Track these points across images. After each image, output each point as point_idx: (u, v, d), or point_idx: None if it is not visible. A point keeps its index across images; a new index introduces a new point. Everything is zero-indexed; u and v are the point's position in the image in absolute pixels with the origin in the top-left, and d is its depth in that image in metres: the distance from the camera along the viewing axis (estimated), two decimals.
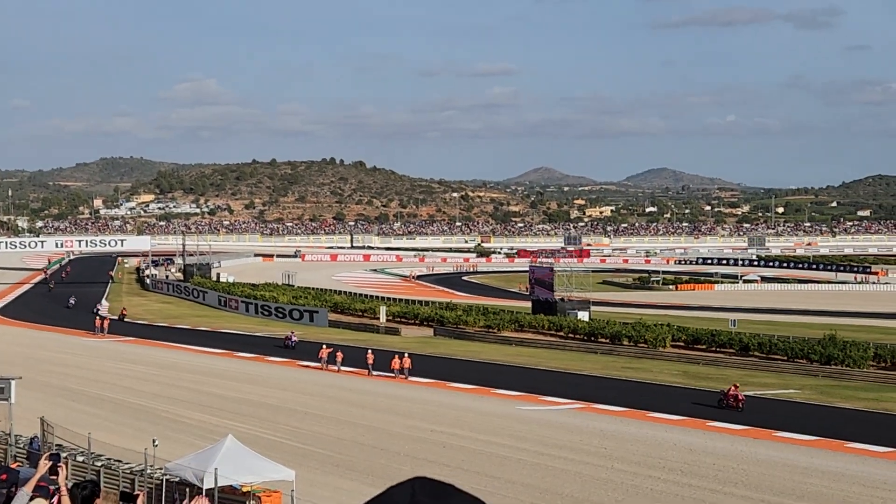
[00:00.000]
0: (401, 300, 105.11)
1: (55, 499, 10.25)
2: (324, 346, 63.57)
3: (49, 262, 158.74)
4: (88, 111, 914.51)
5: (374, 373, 58.35)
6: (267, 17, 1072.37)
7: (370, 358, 58.90)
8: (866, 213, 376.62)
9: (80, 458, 31.50)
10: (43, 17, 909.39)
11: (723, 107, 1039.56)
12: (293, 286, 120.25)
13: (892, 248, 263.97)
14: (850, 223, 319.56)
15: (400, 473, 33.61)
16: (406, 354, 59.88)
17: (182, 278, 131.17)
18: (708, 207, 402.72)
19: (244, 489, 28.45)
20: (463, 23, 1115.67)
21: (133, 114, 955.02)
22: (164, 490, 29.22)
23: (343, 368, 60.35)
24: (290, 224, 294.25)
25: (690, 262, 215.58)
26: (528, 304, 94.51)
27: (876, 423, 44.75)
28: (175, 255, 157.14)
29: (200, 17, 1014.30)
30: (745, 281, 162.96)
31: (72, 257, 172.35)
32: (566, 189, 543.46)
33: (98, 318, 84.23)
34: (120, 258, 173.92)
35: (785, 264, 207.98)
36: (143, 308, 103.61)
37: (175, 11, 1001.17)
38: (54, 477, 9.99)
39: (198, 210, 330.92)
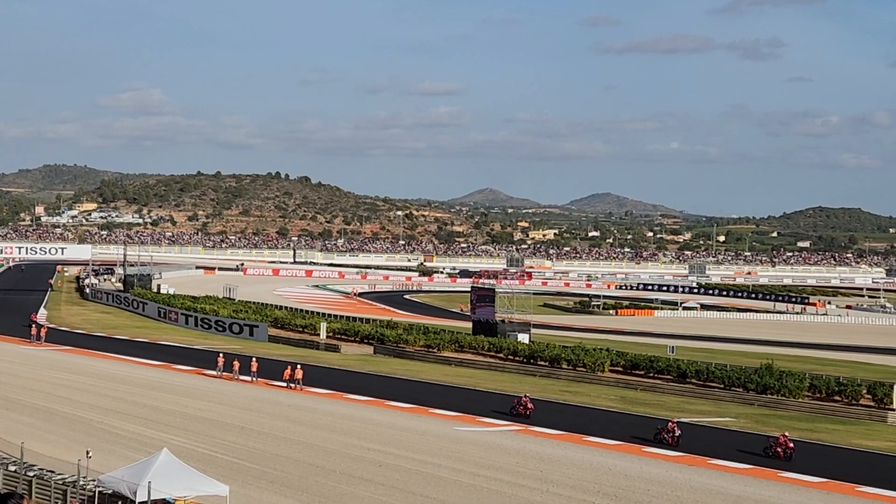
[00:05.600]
0: (342, 317, 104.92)
1: None
2: (220, 355, 66.14)
3: None
4: (30, 116, 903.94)
5: (259, 379, 61.46)
6: (212, 28, 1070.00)
7: (254, 365, 62.07)
8: (806, 244, 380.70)
9: (12, 468, 31.21)
10: None
11: (665, 133, 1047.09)
12: (234, 300, 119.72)
13: (831, 279, 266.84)
14: (790, 254, 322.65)
15: (335, 491, 33.62)
16: (299, 366, 61.68)
17: (122, 288, 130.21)
18: (650, 234, 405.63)
19: (178, 503, 28.31)
20: (408, 41, 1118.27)
21: (76, 121, 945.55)
22: (96, 502, 29.01)
23: (242, 378, 62.19)
24: (233, 237, 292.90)
25: (631, 288, 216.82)
26: (469, 325, 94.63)
27: (810, 454, 45.16)
28: (116, 265, 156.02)
29: (144, 26, 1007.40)
30: (684, 308, 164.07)
31: (11, 265, 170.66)
32: (510, 211, 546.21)
33: (34, 325, 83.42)
34: (60, 266, 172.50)
35: (724, 292, 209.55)
36: (82, 317, 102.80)
37: (119, 19, 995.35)
38: None
39: (140, 220, 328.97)
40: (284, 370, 60.96)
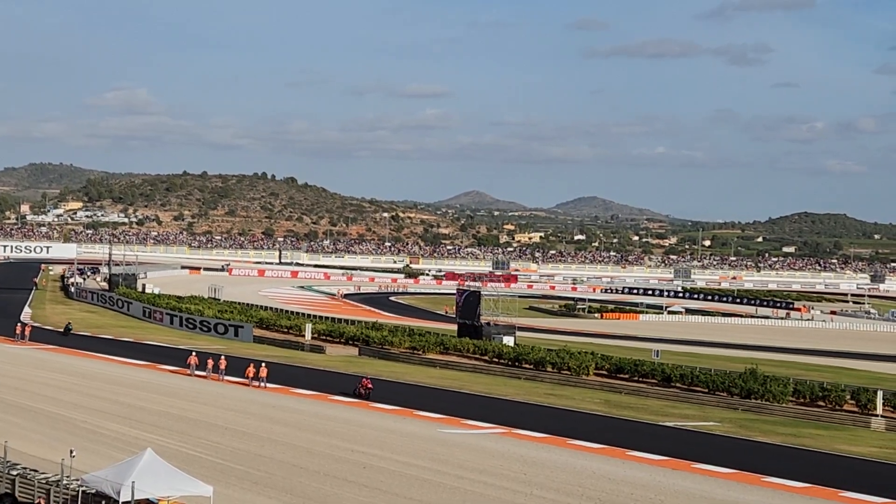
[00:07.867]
0: (327, 318, 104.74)
1: None
2: (193, 354, 66.53)
3: None
4: (17, 115, 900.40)
5: (226, 377, 62.27)
6: (199, 29, 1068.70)
7: (223, 363, 62.93)
8: (791, 249, 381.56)
9: None
10: None
11: (651, 137, 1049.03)
12: (219, 300, 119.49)
13: (816, 285, 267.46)
14: (776, 259, 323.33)
15: (319, 493, 33.59)
16: (263, 364, 62.17)
17: (107, 288, 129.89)
18: (636, 237, 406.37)
19: (161, 503, 28.26)
20: (396, 43, 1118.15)
21: (62, 119, 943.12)
22: (79, 502, 28.93)
23: (213, 375, 62.85)
24: (219, 237, 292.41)
25: (616, 291, 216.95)
26: (454, 327, 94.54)
27: (793, 458, 45.29)
28: (101, 264, 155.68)
29: (131, 26, 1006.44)
30: (669, 312, 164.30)
31: None
32: (496, 214, 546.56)
33: (19, 324, 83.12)
34: (45, 265, 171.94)
35: (709, 297, 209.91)
36: (67, 316, 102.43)
37: (105, 19, 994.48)
38: None
39: (126, 220, 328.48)
40: (247, 368, 61.24)
